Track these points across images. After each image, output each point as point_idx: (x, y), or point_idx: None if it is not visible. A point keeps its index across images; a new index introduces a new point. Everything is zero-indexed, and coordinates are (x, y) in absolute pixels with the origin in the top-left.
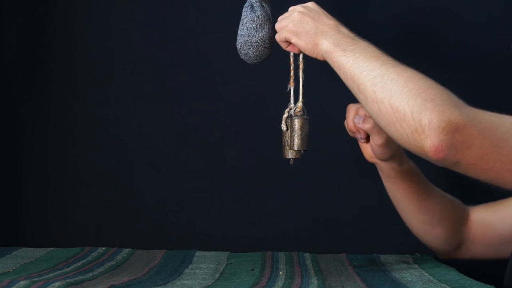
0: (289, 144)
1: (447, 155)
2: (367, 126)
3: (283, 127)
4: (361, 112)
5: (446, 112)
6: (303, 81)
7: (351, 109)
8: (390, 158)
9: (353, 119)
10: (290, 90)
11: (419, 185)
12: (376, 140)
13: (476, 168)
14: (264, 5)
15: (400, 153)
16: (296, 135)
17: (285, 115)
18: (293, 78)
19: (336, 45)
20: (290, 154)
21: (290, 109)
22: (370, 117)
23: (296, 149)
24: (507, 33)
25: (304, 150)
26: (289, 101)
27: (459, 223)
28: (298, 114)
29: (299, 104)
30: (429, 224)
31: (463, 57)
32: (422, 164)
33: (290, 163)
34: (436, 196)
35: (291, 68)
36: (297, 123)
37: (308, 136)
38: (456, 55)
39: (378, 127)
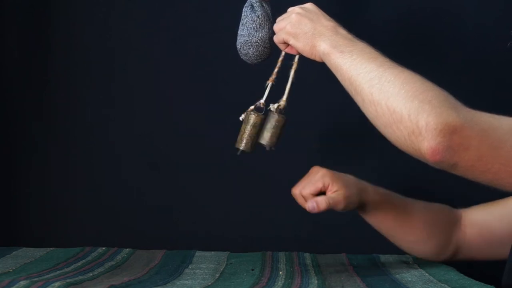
0: (256, 138)
1: (444, 157)
2: (323, 207)
3: (245, 118)
4: (305, 192)
5: (443, 114)
6: (292, 82)
7: (297, 197)
8: (358, 206)
9: (307, 208)
10: (267, 86)
11: (397, 208)
12: (338, 208)
13: (474, 170)
14: (264, 5)
15: (364, 196)
16: (270, 131)
17: (251, 107)
18: (274, 76)
19: (333, 47)
20: (241, 146)
21: (260, 104)
22: (323, 199)
23: (264, 144)
24: (507, 34)
25: (271, 148)
26: (262, 96)
27: (451, 231)
28: (278, 111)
29: (283, 102)
30: (419, 242)
31: (463, 58)
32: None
33: (238, 153)
34: (419, 212)
35: (277, 66)
36: (275, 120)
37: (281, 135)
38: (456, 56)
39: (334, 199)
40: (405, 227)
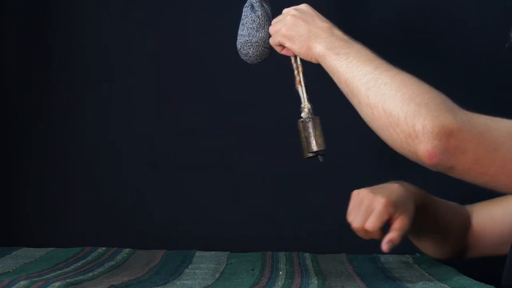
0: (305, 147)
1: (441, 160)
2: (398, 242)
3: (308, 125)
4: (371, 227)
5: (440, 117)
6: (305, 83)
7: (359, 230)
8: None
9: (384, 250)
10: (299, 90)
11: (429, 209)
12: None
13: (471, 172)
14: (264, 5)
15: (416, 203)
16: (313, 136)
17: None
18: (298, 79)
19: (329, 49)
20: (316, 147)
21: (306, 108)
22: (395, 234)
23: (316, 150)
24: (507, 34)
25: (322, 150)
26: (302, 102)
27: (465, 231)
28: (307, 116)
29: (308, 105)
30: (440, 243)
31: (463, 58)
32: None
33: (321, 160)
34: (444, 213)
35: (294, 67)
36: (312, 125)
37: (323, 135)
38: (456, 56)
39: (402, 230)
40: (432, 228)
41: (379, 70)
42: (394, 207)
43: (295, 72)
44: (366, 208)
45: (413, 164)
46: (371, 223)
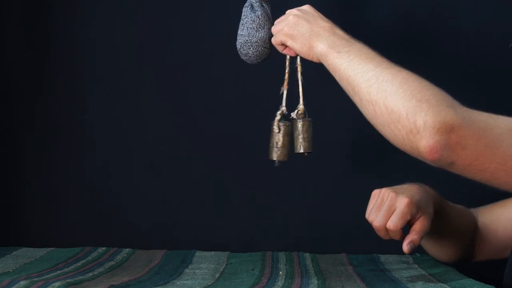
0: (289, 146)
1: (442, 155)
2: (418, 243)
3: (275, 129)
4: (393, 227)
5: (441, 112)
6: (302, 84)
7: (380, 230)
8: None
9: (406, 251)
10: (283, 93)
11: (443, 212)
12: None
13: (471, 168)
14: (264, 5)
15: (435, 204)
16: (301, 138)
17: (278, 118)
18: (287, 81)
19: (331, 47)
20: (276, 156)
21: (282, 112)
22: (416, 235)
23: (302, 151)
24: (507, 33)
25: (308, 152)
26: (281, 104)
27: (473, 236)
28: (301, 117)
29: (301, 106)
30: (450, 246)
31: (463, 57)
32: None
33: (275, 165)
34: (456, 217)
35: (286, 71)
36: (301, 125)
37: (313, 138)
38: (456, 56)
39: (423, 231)
40: (444, 231)
41: (381, 68)
42: (416, 207)
43: (287, 75)
44: (388, 207)
45: (413, 166)
46: (394, 223)
